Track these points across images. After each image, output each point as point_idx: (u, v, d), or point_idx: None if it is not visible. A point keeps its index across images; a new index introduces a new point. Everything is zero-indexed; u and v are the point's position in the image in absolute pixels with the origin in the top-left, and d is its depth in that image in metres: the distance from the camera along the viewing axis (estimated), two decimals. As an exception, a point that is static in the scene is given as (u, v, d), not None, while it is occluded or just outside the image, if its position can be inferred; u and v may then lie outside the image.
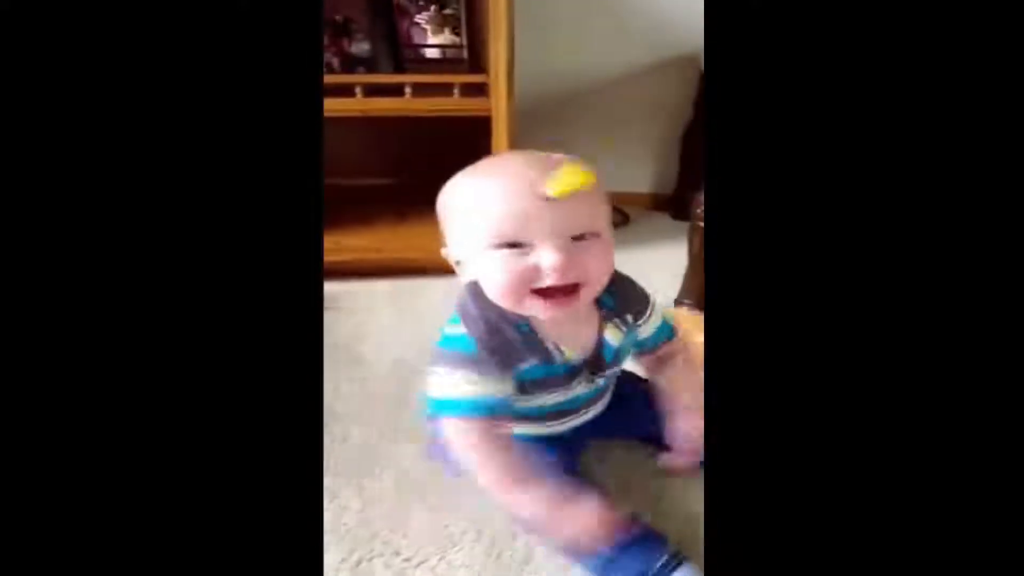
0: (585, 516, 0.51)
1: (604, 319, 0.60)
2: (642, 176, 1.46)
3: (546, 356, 0.57)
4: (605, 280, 0.55)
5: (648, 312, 0.64)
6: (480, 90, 1.01)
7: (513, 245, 0.50)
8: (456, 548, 0.62)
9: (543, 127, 1.43)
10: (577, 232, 0.51)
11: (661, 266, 1.02)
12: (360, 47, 1.12)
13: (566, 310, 0.53)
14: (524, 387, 0.58)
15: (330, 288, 1.01)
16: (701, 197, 0.92)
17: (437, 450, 0.63)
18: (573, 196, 0.49)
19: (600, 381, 0.63)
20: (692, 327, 0.91)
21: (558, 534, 0.52)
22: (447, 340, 0.57)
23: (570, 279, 0.51)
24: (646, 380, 0.74)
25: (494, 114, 1.00)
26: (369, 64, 1.11)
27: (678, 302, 1.03)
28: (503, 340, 0.55)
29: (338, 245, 1.11)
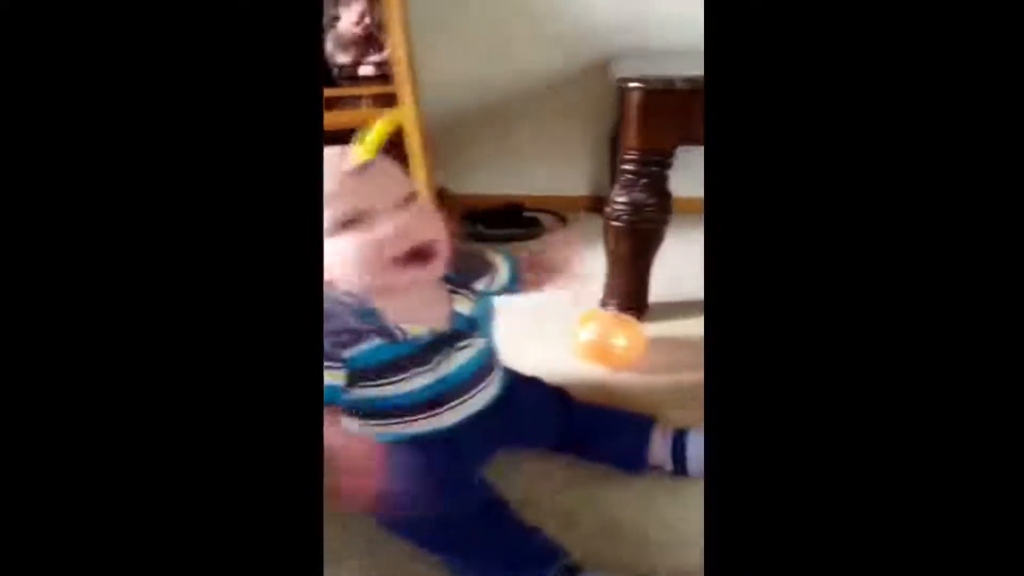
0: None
1: (450, 293, 0.61)
2: (577, 179, 1.46)
3: (387, 335, 0.56)
4: (446, 244, 0.56)
5: (492, 272, 0.66)
6: (390, 101, 1.01)
7: (351, 222, 0.51)
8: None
9: (472, 135, 1.44)
10: (402, 196, 0.53)
11: (599, 267, 1.01)
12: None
13: (430, 273, 0.55)
14: (377, 372, 0.57)
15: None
16: (613, 196, 0.91)
17: None
18: (380, 162, 0.52)
19: (467, 354, 0.62)
20: (614, 328, 0.91)
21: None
22: None
23: (419, 239, 0.53)
24: (545, 384, 0.74)
25: (401, 116, 0.99)
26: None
27: (603, 303, 1.03)
28: (339, 324, 0.54)
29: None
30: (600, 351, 0.89)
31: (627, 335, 0.89)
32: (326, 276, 0.53)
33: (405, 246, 0.52)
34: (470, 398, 0.64)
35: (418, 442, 0.61)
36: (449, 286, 0.62)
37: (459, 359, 0.61)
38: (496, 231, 1.39)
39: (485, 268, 0.65)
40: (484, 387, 0.65)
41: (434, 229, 0.55)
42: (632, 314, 0.97)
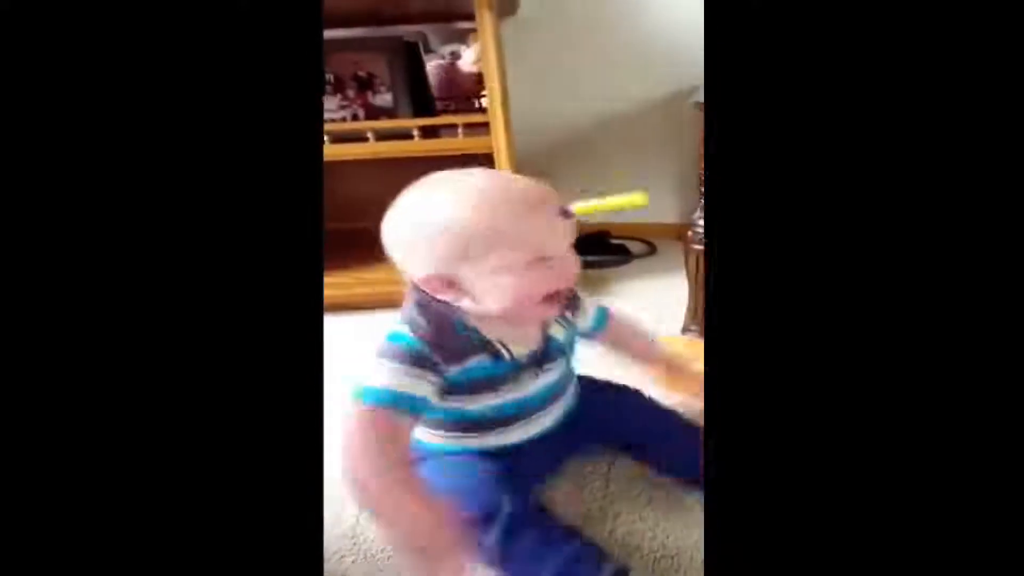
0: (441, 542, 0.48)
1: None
2: (666, 207, 1.45)
3: (495, 354, 0.59)
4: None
5: (580, 307, 0.70)
6: (483, 129, 1.07)
7: (541, 259, 0.54)
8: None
9: (562, 164, 1.48)
10: (572, 241, 0.58)
11: (685, 295, 1.01)
12: (383, 98, 1.22)
13: (557, 312, 0.59)
14: (473, 386, 0.59)
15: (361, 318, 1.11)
16: (694, 219, 0.91)
17: None
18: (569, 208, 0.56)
19: (550, 374, 0.64)
20: (695, 354, 0.89)
21: (417, 549, 0.49)
22: (394, 336, 0.57)
23: (567, 284, 0.58)
24: (613, 386, 0.76)
25: (495, 150, 1.05)
26: (391, 114, 1.20)
27: (684, 330, 1.01)
28: (452, 341, 0.57)
29: (360, 280, 1.20)
30: (679, 378, 0.88)
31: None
32: (469, 301, 0.56)
33: (557, 288, 0.57)
34: (541, 417, 0.66)
35: (484, 454, 0.63)
36: None
37: (543, 381, 0.64)
38: (585, 258, 1.41)
39: (576, 304, 0.70)
40: (555, 408, 0.67)
41: (575, 274, 0.59)
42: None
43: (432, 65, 1.31)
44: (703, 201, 0.90)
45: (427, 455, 0.63)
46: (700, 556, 0.61)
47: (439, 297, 0.57)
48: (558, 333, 0.65)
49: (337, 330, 1.09)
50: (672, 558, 0.61)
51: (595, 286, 1.30)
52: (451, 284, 0.56)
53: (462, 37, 1.33)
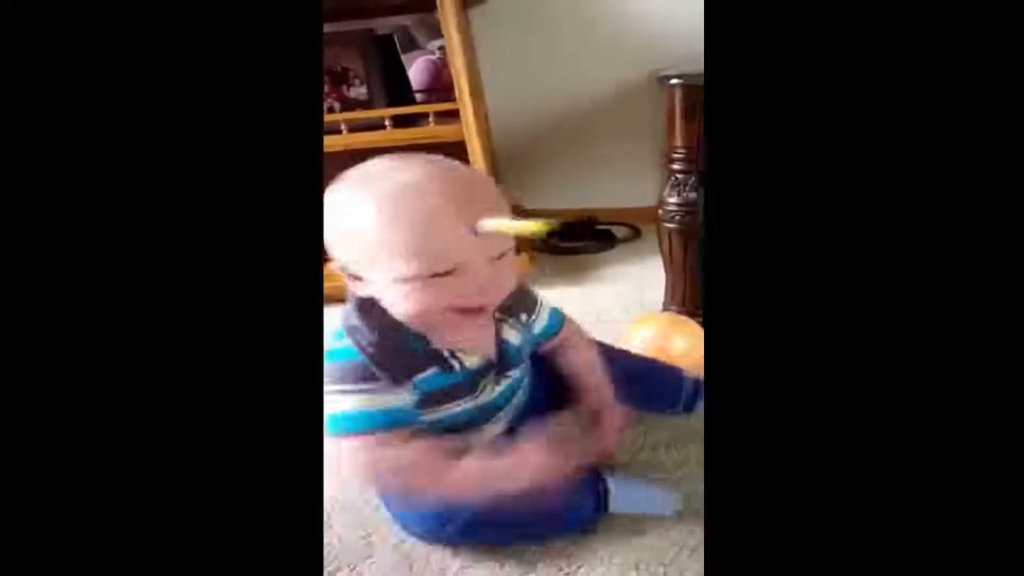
0: (532, 460, 0.51)
1: (499, 322, 0.60)
2: (651, 191, 1.44)
3: (444, 365, 0.56)
4: (508, 295, 0.54)
5: (537, 309, 0.66)
6: (455, 117, 1.07)
7: (443, 274, 0.48)
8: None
9: (545, 151, 1.47)
10: (498, 252, 0.51)
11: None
12: (358, 91, 1.22)
13: (480, 324, 0.53)
14: (427, 400, 0.56)
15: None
16: (664, 197, 0.91)
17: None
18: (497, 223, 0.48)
19: (507, 382, 0.61)
20: (671, 330, 0.89)
21: (511, 488, 0.51)
22: (331, 354, 0.53)
23: (491, 298, 0.52)
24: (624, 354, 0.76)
25: (466, 137, 1.05)
26: (366, 106, 1.21)
27: (664, 308, 1.01)
28: (397, 353, 0.53)
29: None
30: (658, 355, 0.88)
31: (685, 336, 0.86)
32: (391, 309, 0.52)
33: (473, 303, 0.51)
34: (497, 422, 0.64)
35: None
36: (498, 315, 0.60)
37: (499, 388, 0.61)
38: (570, 244, 1.41)
39: (532, 306, 0.65)
40: (510, 410, 0.65)
41: (508, 280, 0.53)
42: (695, 319, 0.94)
43: (422, 60, 1.31)
44: (670, 180, 0.89)
45: None
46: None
47: (356, 290, 0.54)
48: (513, 336, 0.62)
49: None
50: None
51: (581, 271, 1.30)
52: (354, 280, 0.54)
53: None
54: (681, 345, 0.86)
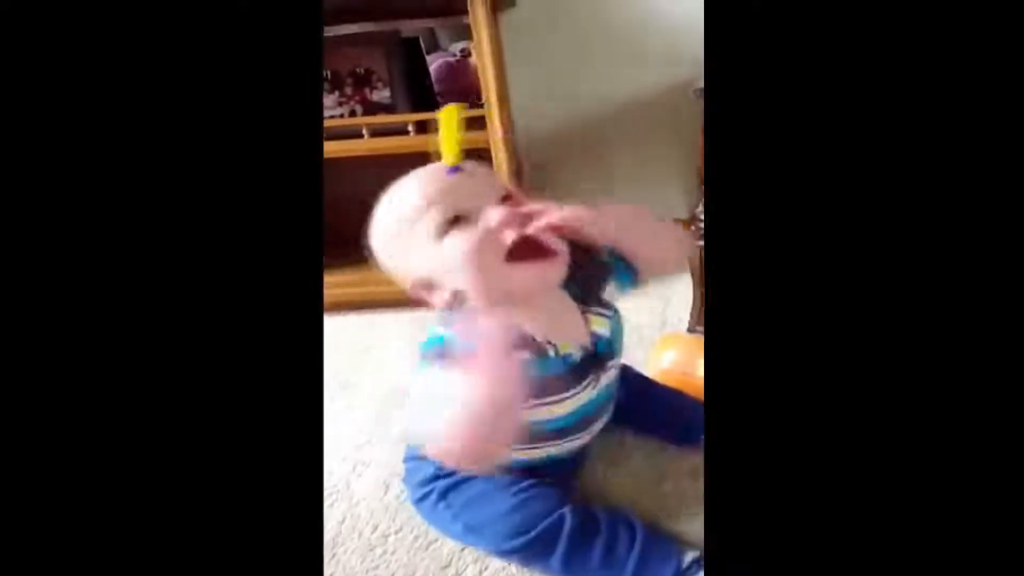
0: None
1: (584, 313, 0.58)
2: (674, 202, 1.40)
3: (538, 348, 0.53)
4: (561, 239, 0.50)
5: (603, 286, 0.61)
6: (481, 124, 1.04)
7: (457, 220, 0.49)
8: None
9: (568, 160, 1.44)
10: (500, 194, 0.51)
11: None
12: (381, 95, 1.20)
13: (552, 270, 0.50)
14: (534, 391, 0.52)
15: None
16: (696, 214, 0.87)
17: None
18: (471, 165, 0.51)
19: (608, 377, 0.59)
20: (700, 353, 0.85)
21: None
22: (434, 341, 0.52)
23: (526, 229, 0.48)
24: (649, 381, 0.75)
25: (492, 145, 1.02)
26: (389, 109, 1.18)
27: (691, 329, 0.97)
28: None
29: (366, 279, 1.17)
30: (681, 378, 0.84)
31: (710, 361, 0.83)
32: (436, 283, 0.52)
33: (515, 235, 0.48)
34: (597, 425, 0.62)
35: (522, 470, 0.59)
36: (582, 306, 0.58)
37: (602, 384, 0.59)
38: (591, 255, 1.38)
39: (604, 272, 0.60)
40: (609, 412, 0.64)
41: (539, 216, 0.49)
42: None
43: (440, 62, 1.28)
44: (704, 195, 0.86)
45: (470, 476, 0.60)
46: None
47: (432, 302, 0.53)
48: (602, 327, 0.58)
49: (336, 329, 1.08)
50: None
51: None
52: (428, 285, 0.53)
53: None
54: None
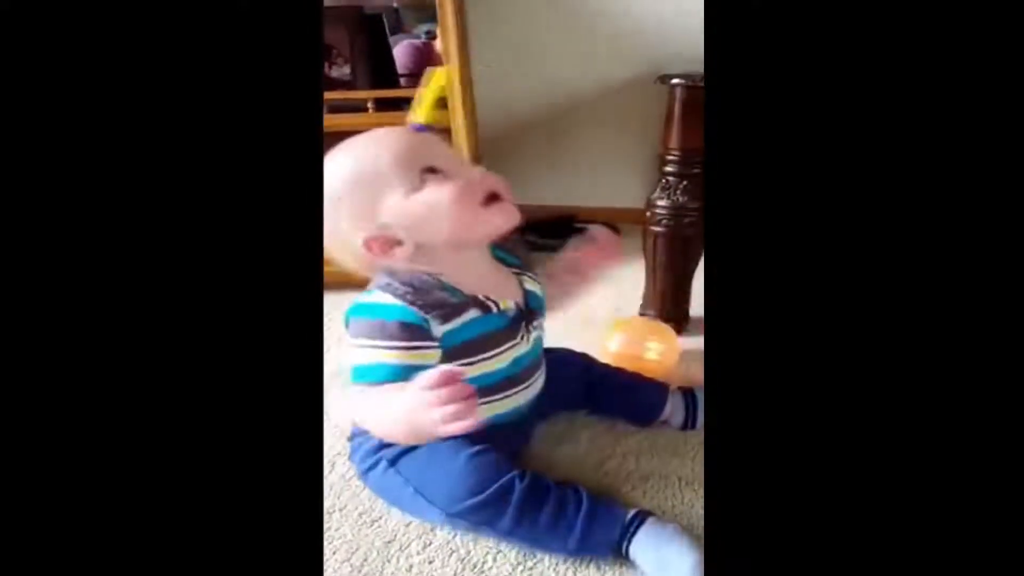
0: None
1: (519, 275, 0.64)
2: (632, 191, 1.44)
3: (482, 306, 0.58)
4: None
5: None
6: (441, 103, 1.04)
7: (431, 171, 0.54)
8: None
9: (527, 146, 1.45)
10: (459, 159, 0.58)
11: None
12: (340, 71, 1.18)
13: (515, 213, 0.57)
14: (468, 348, 0.57)
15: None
16: (653, 200, 0.89)
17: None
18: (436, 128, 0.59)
19: (537, 332, 0.64)
20: (646, 336, 0.87)
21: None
22: (365, 308, 0.56)
23: (496, 186, 0.57)
24: (572, 353, 0.78)
25: (453, 124, 1.02)
26: (349, 86, 1.16)
27: (642, 313, 1.00)
28: (434, 298, 0.55)
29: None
30: (631, 360, 0.86)
31: (660, 343, 0.85)
32: (409, 230, 0.55)
33: (487, 189, 0.56)
34: (536, 380, 0.66)
35: (490, 428, 0.59)
36: (516, 269, 0.65)
37: (534, 338, 0.63)
38: (548, 241, 1.39)
39: (531, 263, 0.68)
40: (540, 374, 0.67)
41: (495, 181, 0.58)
42: (672, 325, 0.93)
43: (405, 43, 1.27)
44: (661, 182, 0.88)
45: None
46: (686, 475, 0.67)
47: (387, 259, 0.56)
48: (534, 287, 0.65)
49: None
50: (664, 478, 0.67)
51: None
52: (389, 240, 0.55)
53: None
54: (655, 350, 0.85)
